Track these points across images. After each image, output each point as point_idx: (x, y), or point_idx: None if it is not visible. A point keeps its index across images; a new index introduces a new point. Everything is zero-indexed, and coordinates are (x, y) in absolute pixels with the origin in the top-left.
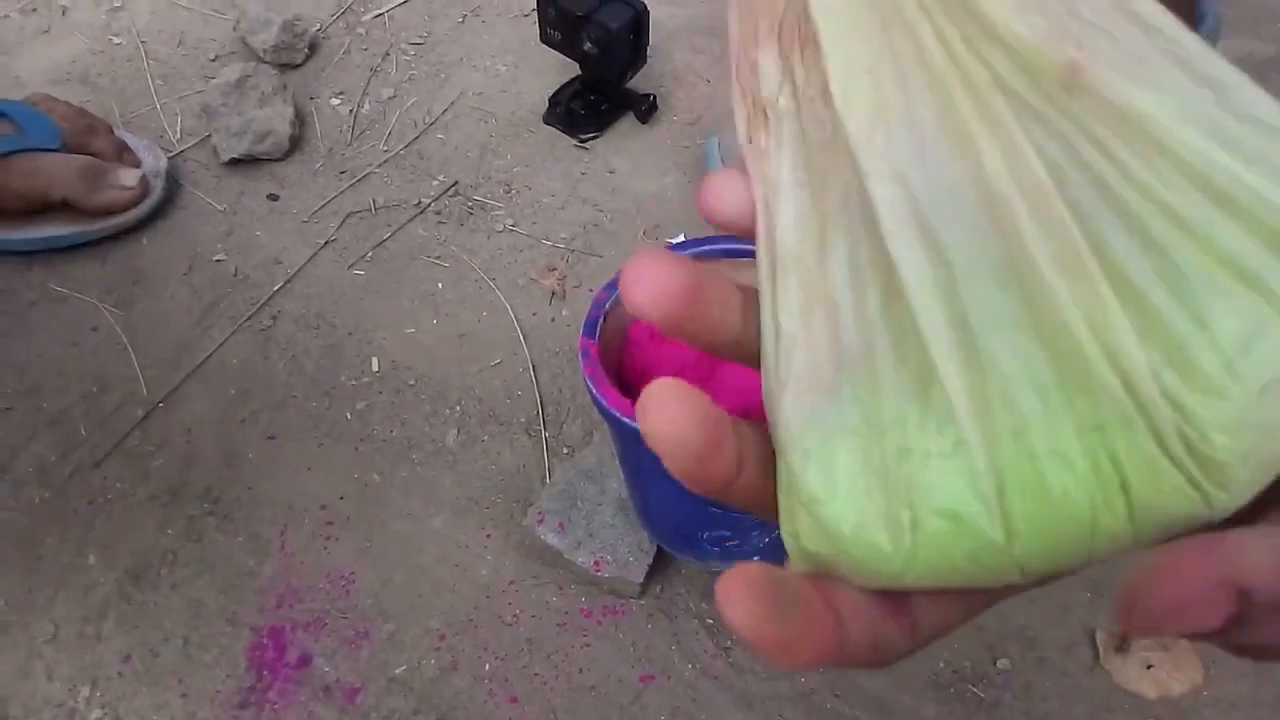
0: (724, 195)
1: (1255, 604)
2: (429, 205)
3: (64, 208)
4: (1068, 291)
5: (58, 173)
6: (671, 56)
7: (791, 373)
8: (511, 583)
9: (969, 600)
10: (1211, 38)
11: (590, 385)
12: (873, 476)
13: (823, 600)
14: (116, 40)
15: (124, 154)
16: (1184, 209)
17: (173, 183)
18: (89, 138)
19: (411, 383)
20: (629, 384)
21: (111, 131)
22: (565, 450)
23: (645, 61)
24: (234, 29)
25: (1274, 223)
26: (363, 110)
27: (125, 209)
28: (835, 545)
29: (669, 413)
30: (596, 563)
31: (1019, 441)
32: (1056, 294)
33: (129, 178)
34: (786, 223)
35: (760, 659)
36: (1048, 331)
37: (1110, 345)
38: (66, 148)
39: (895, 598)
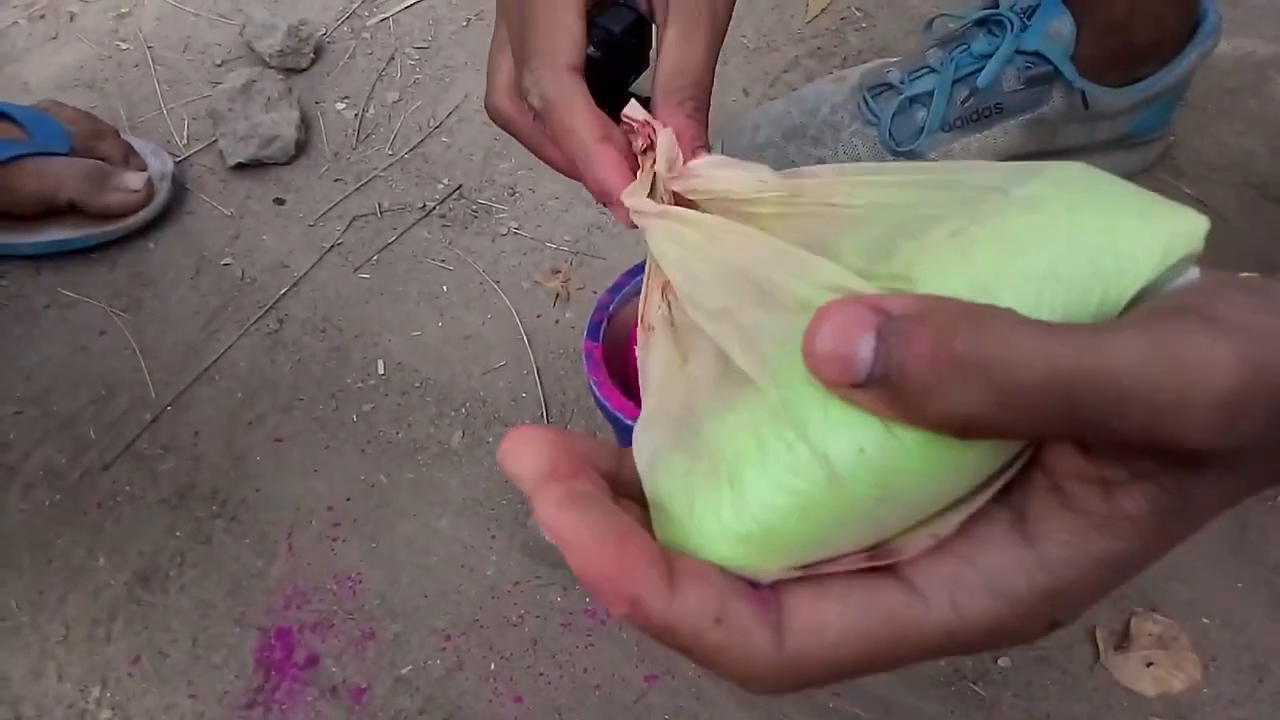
0: (520, 453)
1: (892, 330)
2: (434, 208)
3: (71, 211)
4: (807, 288)
5: (65, 175)
6: None
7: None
8: (516, 583)
9: (848, 600)
10: (1212, 37)
11: (594, 388)
12: (701, 475)
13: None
14: (123, 46)
15: (130, 157)
16: (889, 197)
17: (179, 187)
18: (96, 142)
19: (417, 385)
20: (633, 386)
21: (118, 135)
22: None
23: (648, 65)
24: (240, 34)
25: (944, 178)
26: (368, 114)
27: (131, 212)
28: (681, 542)
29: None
30: None
31: (825, 397)
32: (802, 293)
33: (135, 181)
34: (657, 366)
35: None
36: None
37: (838, 285)
38: (74, 151)
39: (760, 586)
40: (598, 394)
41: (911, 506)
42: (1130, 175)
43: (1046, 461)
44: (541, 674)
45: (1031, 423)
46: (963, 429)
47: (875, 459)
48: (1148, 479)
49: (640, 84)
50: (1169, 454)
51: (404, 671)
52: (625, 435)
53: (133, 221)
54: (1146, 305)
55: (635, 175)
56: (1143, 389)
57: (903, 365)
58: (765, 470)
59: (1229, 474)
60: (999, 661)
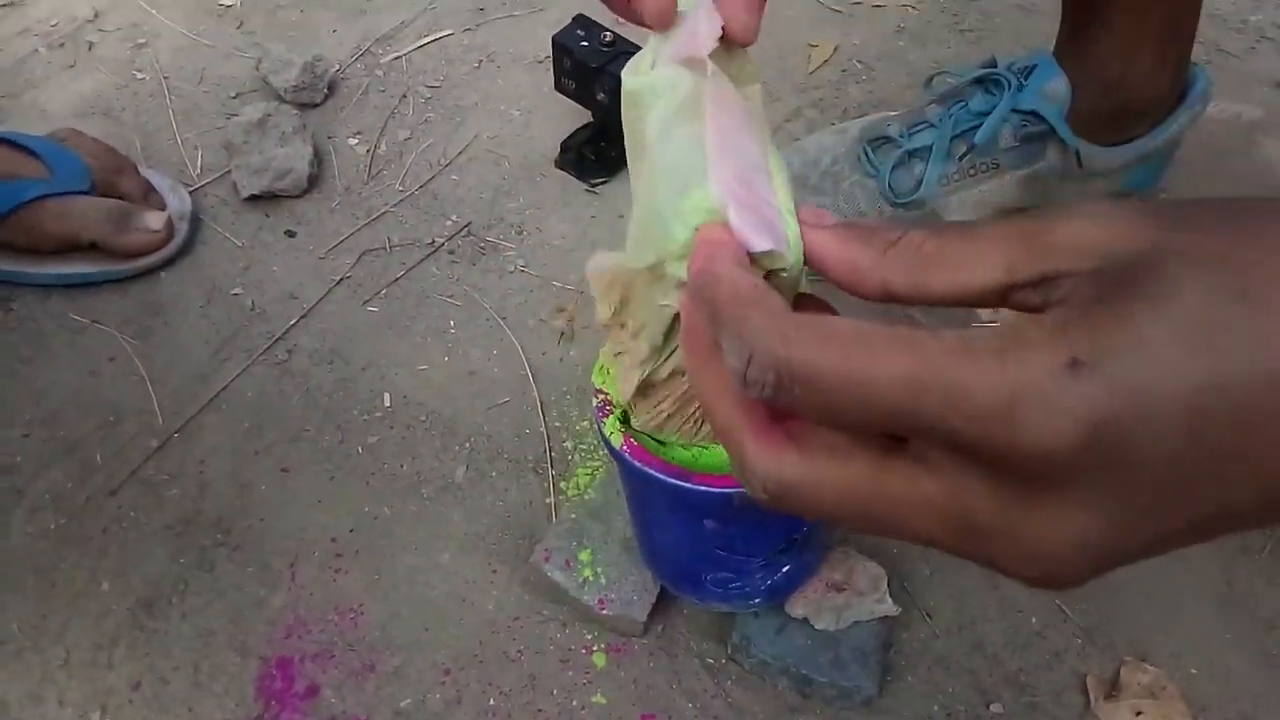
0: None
1: None
2: (442, 245)
3: (91, 248)
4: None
5: (87, 216)
6: None
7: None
8: (517, 619)
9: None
10: (1202, 100)
11: (601, 428)
12: None
13: None
14: (140, 76)
15: (149, 195)
16: None
17: (192, 218)
18: (117, 178)
19: (422, 419)
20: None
21: (137, 171)
22: (572, 489)
23: None
24: (256, 68)
25: None
26: (379, 150)
27: (151, 251)
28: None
29: None
30: (601, 601)
31: None
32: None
33: (155, 221)
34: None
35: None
36: None
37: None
38: (95, 188)
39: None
40: (606, 435)
41: None
42: None
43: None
44: (540, 710)
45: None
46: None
47: None
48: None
49: None
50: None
51: (403, 704)
52: (631, 477)
53: (150, 261)
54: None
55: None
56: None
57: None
58: None
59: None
60: (990, 708)
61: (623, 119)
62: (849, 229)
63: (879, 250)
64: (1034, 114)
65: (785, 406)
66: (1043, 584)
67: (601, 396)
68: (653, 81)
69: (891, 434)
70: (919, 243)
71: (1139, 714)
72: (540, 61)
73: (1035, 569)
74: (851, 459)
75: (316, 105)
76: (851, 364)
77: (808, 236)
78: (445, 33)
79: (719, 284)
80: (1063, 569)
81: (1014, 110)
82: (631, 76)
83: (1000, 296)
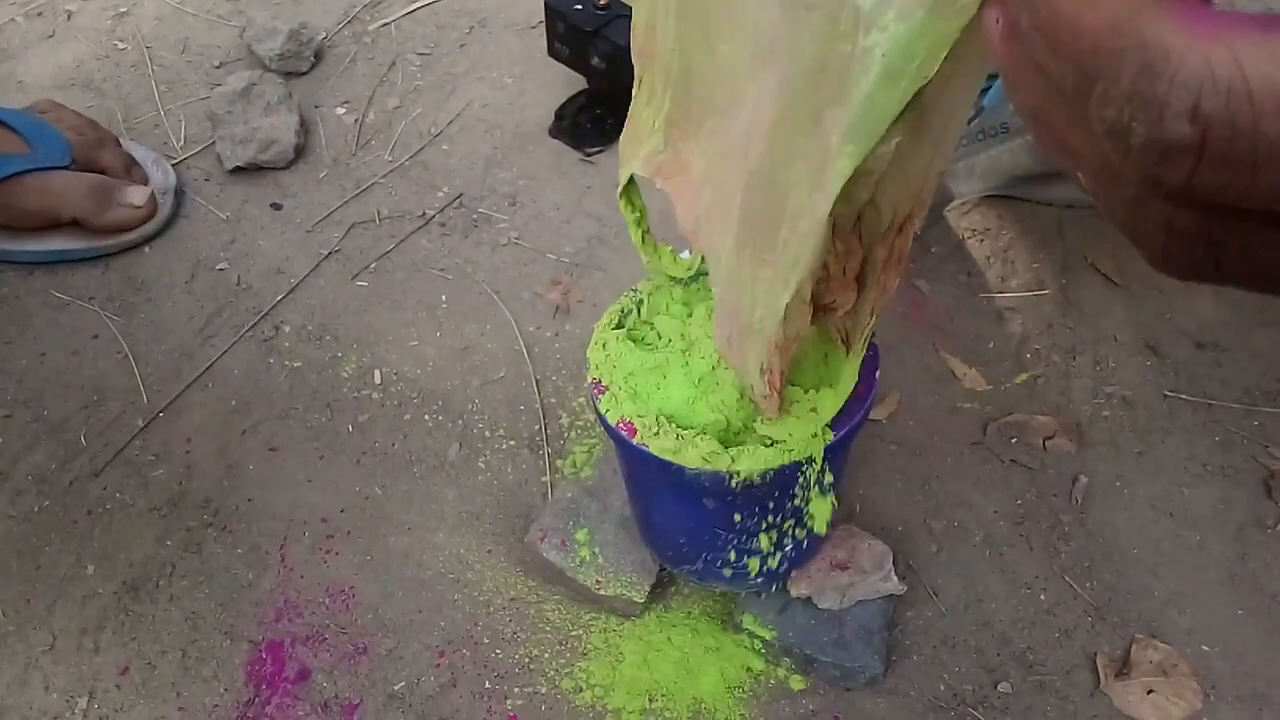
0: None
1: None
2: (433, 217)
3: (72, 224)
4: None
5: (68, 193)
6: None
7: None
8: (512, 599)
9: None
10: None
11: (597, 405)
12: None
13: None
14: (121, 45)
15: (132, 169)
16: None
17: (176, 191)
18: (98, 151)
19: (414, 396)
20: None
21: (119, 144)
22: (568, 467)
23: None
24: (240, 36)
25: None
26: (368, 120)
27: (134, 227)
28: None
29: None
30: (598, 581)
31: None
32: None
33: (138, 196)
34: None
35: None
36: None
37: None
38: (75, 162)
39: None
40: (602, 414)
41: None
42: None
43: None
44: (536, 693)
45: None
46: None
47: None
48: None
49: None
50: None
51: (397, 687)
52: (629, 452)
53: (134, 236)
54: None
55: None
56: None
57: None
58: None
59: None
60: (999, 687)
61: None
62: None
63: None
64: None
65: None
66: None
67: (594, 378)
68: None
69: None
70: None
71: (1150, 692)
72: (533, 27)
73: None
74: None
75: (303, 74)
76: None
77: None
78: None
79: None
80: None
81: None
82: None
83: None
